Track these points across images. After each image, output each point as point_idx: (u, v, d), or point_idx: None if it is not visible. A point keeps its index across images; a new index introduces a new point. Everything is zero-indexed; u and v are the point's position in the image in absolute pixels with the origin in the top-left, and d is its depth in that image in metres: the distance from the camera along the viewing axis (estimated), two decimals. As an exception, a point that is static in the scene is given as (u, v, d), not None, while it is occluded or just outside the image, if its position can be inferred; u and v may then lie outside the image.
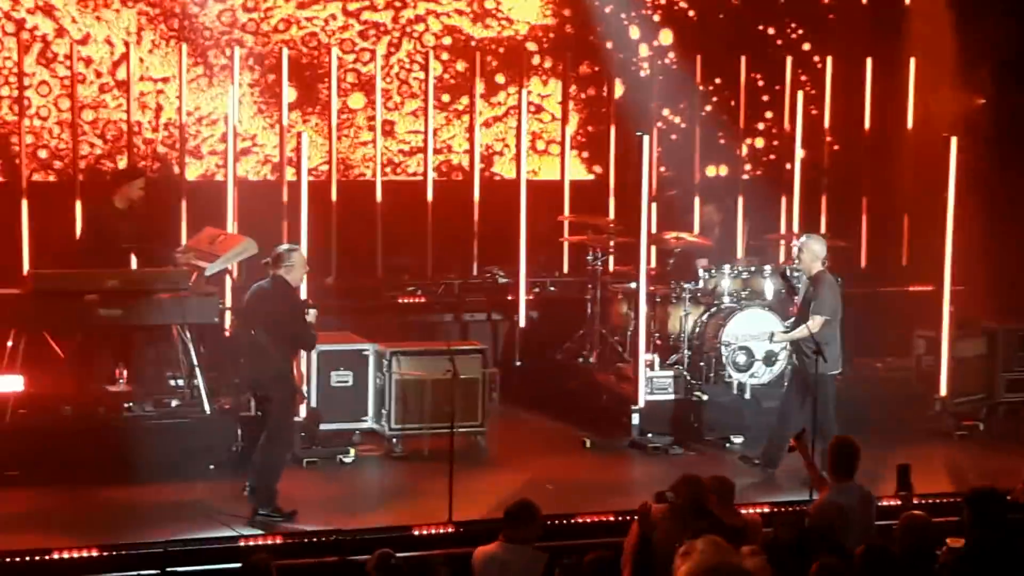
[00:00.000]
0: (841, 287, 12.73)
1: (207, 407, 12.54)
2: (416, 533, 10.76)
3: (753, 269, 14.68)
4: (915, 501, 10.39)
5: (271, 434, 11.26)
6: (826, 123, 17.10)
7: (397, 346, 13.26)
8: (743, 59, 16.98)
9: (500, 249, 15.86)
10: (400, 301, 15.67)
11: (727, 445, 13.63)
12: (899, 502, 10.58)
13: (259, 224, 14.34)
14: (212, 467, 12.22)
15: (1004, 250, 15.87)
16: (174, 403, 12.77)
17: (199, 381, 12.55)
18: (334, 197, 15.61)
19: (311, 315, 11.29)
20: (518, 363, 15.40)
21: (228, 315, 13.36)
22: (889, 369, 14.87)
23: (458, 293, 15.85)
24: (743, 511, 9.46)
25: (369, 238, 15.85)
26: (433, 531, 10.80)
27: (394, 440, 13.05)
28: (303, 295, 11.86)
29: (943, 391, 14.25)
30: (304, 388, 12.51)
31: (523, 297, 15.50)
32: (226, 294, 13.60)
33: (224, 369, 12.99)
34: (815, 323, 12.29)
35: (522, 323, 15.52)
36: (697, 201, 16.44)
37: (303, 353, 12.26)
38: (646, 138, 13.77)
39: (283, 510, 11.09)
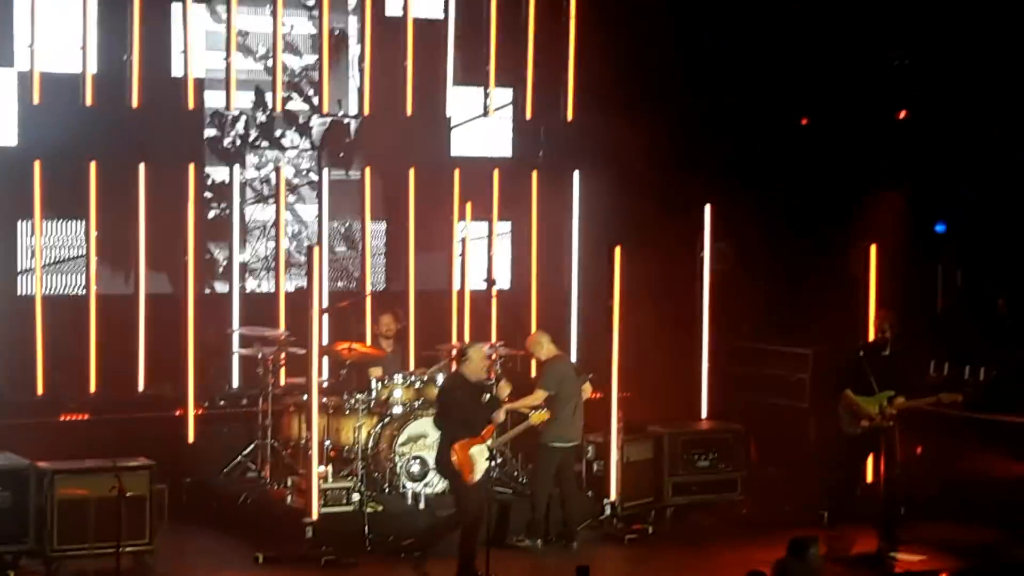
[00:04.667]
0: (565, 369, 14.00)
1: None
2: (80, 657, 10.31)
3: (426, 378, 14.70)
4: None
5: (458, 516, 12.71)
6: (494, 234, 17.31)
7: (59, 464, 12.78)
8: (412, 171, 17.09)
9: (168, 364, 15.54)
10: (63, 419, 15.15)
11: (403, 556, 13.52)
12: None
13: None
14: None
15: (667, 356, 16.28)
16: None
17: None
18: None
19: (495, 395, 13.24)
20: (188, 480, 15.01)
21: None
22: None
23: (124, 409, 15.42)
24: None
25: (29, 355, 15.32)
26: (98, 654, 10.37)
27: (56, 562, 12.52)
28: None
29: (613, 495, 14.44)
30: (476, 476, 12.73)
31: (191, 412, 15.17)
32: None
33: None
34: (534, 397, 13.66)
35: (190, 439, 15.18)
36: (370, 311, 16.38)
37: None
38: (315, 250, 13.72)
39: None
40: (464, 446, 12.57)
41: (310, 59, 16.91)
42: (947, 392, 14.35)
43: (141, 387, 15.75)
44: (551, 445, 13.86)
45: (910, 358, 14.39)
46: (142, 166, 15.77)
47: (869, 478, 15.02)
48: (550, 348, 14.11)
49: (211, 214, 16.55)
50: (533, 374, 16.65)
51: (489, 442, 12.83)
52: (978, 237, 16.88)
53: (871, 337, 14.85)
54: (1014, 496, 15.12)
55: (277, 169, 16.70)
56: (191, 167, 16.01)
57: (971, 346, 16.90)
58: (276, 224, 16.68)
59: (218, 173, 16.60)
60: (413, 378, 14.71)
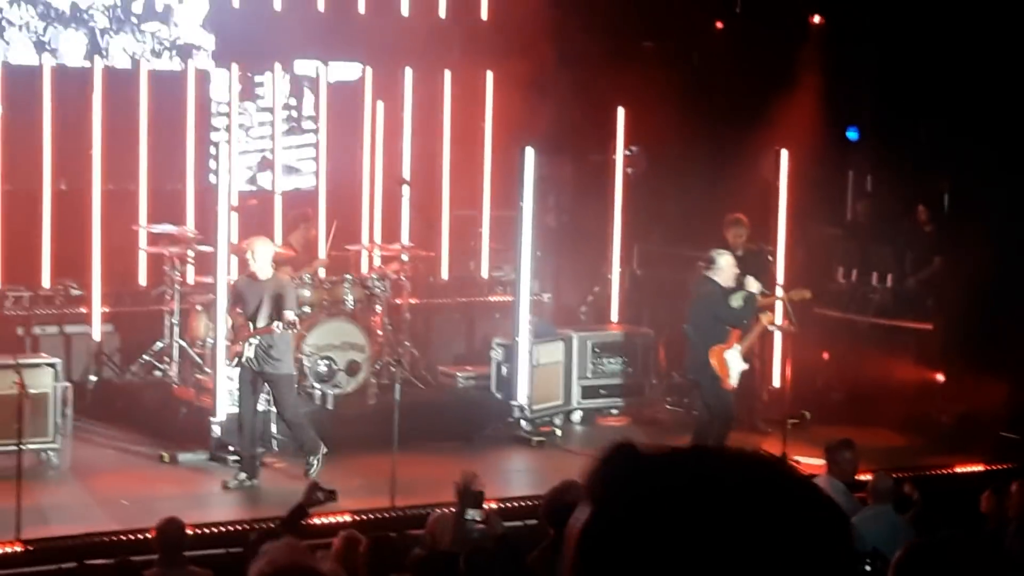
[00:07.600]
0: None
1: None
2: (-21, 553, 10.22)
3: (335, 279, 14.60)
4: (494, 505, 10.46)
5: (708, 414, 12.99)
6: (406, 135, 17.15)
7: (-39, 360, 12.61)
8: (323, 67, 16.87)
9: (74, 260, 15.32)
10: (-34, 315, 14.94)
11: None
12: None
13: None
14: None
15: (578, 259, 16.28)
16: None
17: None
18: None
19: (742, 296, 12.84)
20: (93, 377, 14.87)
21: None
22: (468, 377, 15.02)
23: (28, 305, 15.21)
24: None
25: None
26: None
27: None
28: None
29: (522, 399, 14.44)
30: (733, 381, 13.03)
31: (97, 309, 14.98)
32: None
33: None
34: (289, 318, 12.40)
35: (96, 336, 15.00)
36: (280, 211, 16.22)
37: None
38: (223, 146, 13.55)
39: None
40: (719, 351, 12.85)
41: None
42: (796, 290, 14.34)
43: (46, 282, 15.52)
44: (294, 374, 13.12)
45: (760, 259, 14.54)
46: (48, 59, 15.47)
47: (776, 382, 15.16)
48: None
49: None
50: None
51: (738, 346, 12.98)
52: (889, 145, 16.93)
53: (780, 241, 14.97)
54: (918, 402, 15.31)
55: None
56: (97, 59, 15.71)
57: (879, 253, 16.99)
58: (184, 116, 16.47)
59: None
60: (322, 279, 14.59)
